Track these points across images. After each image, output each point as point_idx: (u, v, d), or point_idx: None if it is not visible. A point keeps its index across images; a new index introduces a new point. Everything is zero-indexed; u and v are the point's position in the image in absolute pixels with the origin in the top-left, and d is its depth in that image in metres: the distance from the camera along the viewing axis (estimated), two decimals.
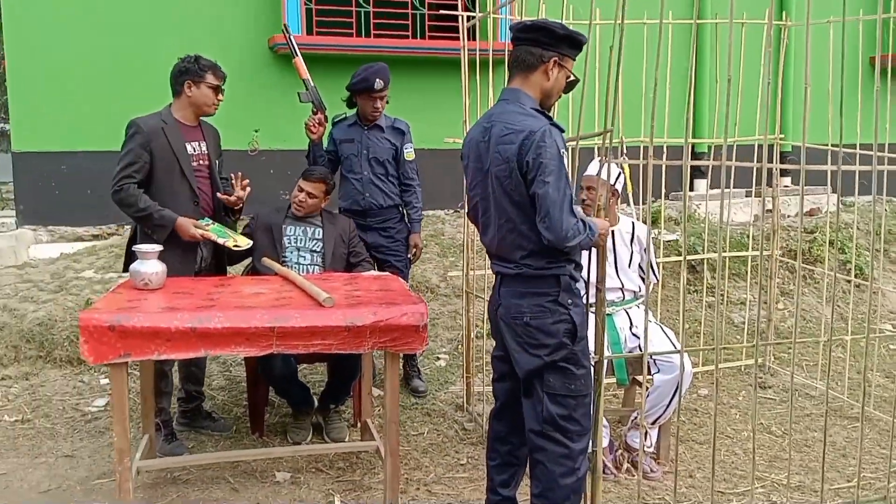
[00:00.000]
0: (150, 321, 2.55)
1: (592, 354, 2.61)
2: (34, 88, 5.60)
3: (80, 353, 2.57)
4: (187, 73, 3.40)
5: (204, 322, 2.57)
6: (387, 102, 4.02)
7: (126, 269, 3.32)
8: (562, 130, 2.36)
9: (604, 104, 2.36)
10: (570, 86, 2.47)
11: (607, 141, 2.49)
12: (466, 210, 2.68)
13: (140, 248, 3.05)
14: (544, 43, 2.35)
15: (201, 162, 3.48)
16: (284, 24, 3.96)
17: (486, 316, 4.47)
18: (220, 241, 3.38)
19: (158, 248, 3.06)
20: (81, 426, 3.77)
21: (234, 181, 3.59)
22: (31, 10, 5.58)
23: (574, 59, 2.43)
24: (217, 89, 3.45)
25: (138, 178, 3.30)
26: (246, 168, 5.53)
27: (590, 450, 2.53)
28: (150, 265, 2.98)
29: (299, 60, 3.95)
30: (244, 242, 3.48)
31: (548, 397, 2.39)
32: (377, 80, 3.91)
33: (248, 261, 3.83)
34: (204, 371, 3.80)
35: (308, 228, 3.72)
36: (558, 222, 2.25)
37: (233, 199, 3.52)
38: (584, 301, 2.64)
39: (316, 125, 3.93)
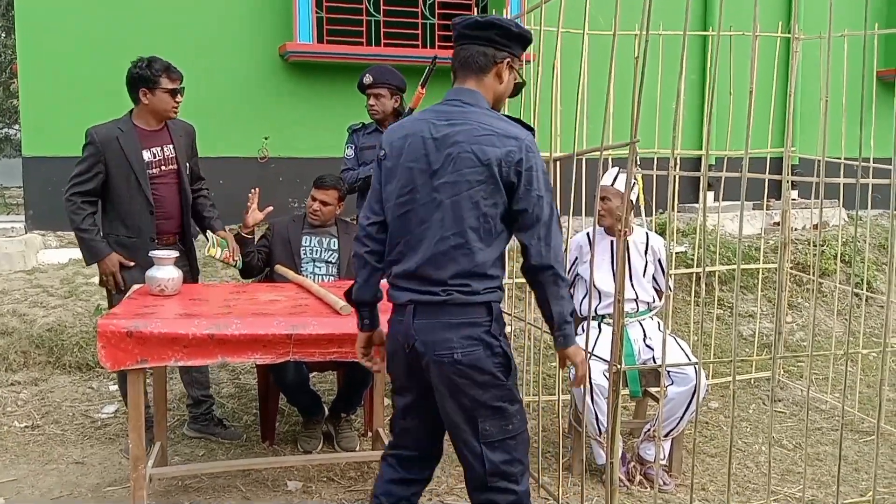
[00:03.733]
0: (168, 327, 2.54)
1: (610, 364, 2.60)
2: (45, 94, 5.61)
3: (98, 359, 2.57)
4: (141, 80, 3.32)
5: (222, 329, 2.56)
6: (397, 104, 3.98)
7: (89, 263, 3.40)
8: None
9: (617, 114, 2.36)
10: (517, 89, 2.25)
11: (631, 152, 2.48)
12: (369, 218, 2.19)
13: (156, 253, 3.04)
14: (498, 42, 2.11)
15: (164, 168, 3.42)
16: (434, 58, 3.89)
17: None
18: (220, 256, 3.41)
19: (175, 253, 3.06)
20: (91, 433, 3.75)
21: (251, 199, 3.61)
22: (44, 17, 5.60)
23: (521, 60, 2.23)
24: (174, 92, 3.36)
25: (88, 188, 3.30)
26: (255, 176, 5.56)
27: (606, 461, 2.52)
28: (167, 271, 2.98)
29: (422, 94, 3.86)
30: (218, 254, 3.46)
31: (486, 447, 2.08)
32: (366, 75, 3.93)
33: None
34: (207, 375, 3.77)
35: (324, 239, 3.72)
36: (557, 243, 2.07)
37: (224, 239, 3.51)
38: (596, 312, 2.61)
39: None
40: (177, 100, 3.39)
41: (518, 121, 2.13)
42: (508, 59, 2.15)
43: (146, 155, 3.37)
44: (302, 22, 5.85)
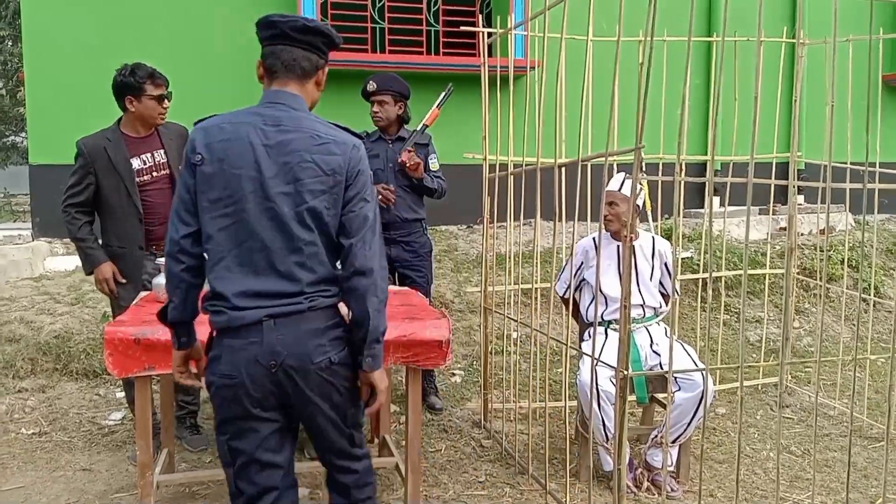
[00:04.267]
0: None
1: (617, 370, 2.59)
2: (52, 103, 5.64)
3: (105, 366, 2.57)
4: (126, 87, 3.33)
5: None
6: (401, 111, 4.00)
7: (89, 273, 3.43)
8: None
9: (622, 120, 2.36)
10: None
11: (636, 157, 2.48)
12: (180, 231, 2.02)
13: (163, 261, 3.04)
14: (321, 50, 2.08)
15: (155, 174, 3.43)
16: (451, 84, 3.97)
17: (505, 332, 4.49)
18: None
19: None
20: (98, 439, 3.76)
21: None
22: (51, 26, 5.64)
23: None
24: (160, 98, 3.37)
25: (81, 199, 3.34)
26: None
27: (614, 468, 2.51)
28: None
29: (438, 113, 3.93)
30: None
31: (352, 427, 2.12)
32: (370, 82, 3.96)
33: None
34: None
35: None
36: (378, 247, 2.03)
37: None
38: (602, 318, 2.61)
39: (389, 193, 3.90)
40: (164, 105, 3.40)
41: (344, 127, 2.09)
42: (326, 67, 2.13)
43: (136, 163, 3.38)
44: None
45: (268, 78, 2.07)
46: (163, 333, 2.54)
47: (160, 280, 3.00)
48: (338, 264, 2.05)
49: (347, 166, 1.99)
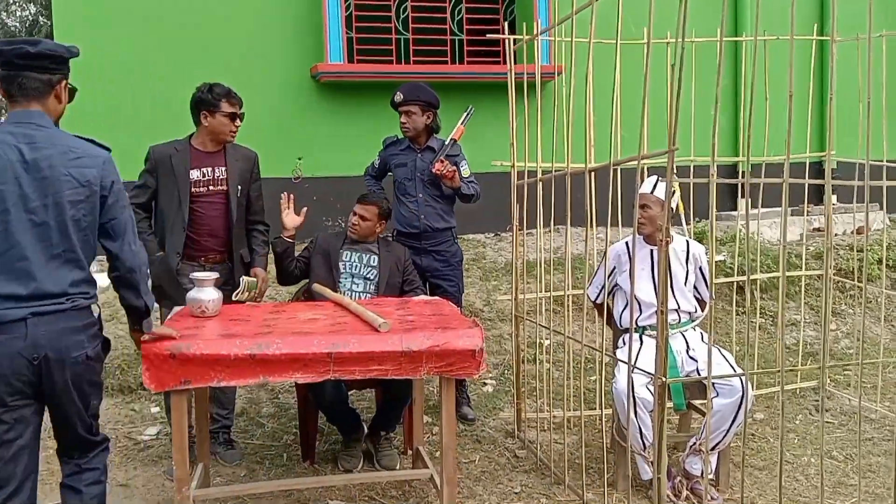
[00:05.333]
0: (209, 348, 2.56)
1: (655, 377, 2.55)
2: (81, 122, 5.72)
3: (141, 381, 2.59)
4: (202, 103, 3.47)
5: (263, 349, 2.57)
6: (429, 120, 3.98)
7: (160, 301, 3.47)
8: None
9: (652, 123, 2.32)
10: (72, 95, 2.44)
11: (668, 161, 2.45)
12: None
13: (197, 275, 3.07)
14: (52, 69, 2.29)
15: (212, 188, 3.51)
16: (470, 108, 4.03)
17: (537, 340, 4.44)
18: (245, 299, 3.46)
19: (214, 275, 3.09)
20: (134, 455, 3.78)
21: (284, 201, 3.70)
22: (77, 41, 5.72)
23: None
24: (233, 116, 3.50)
25: (141, 201, 3.47)
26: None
27: (653, 477, 2.47)
28: (207, 292, 3.01)
29: (463, 130, 3.97)
30: (244, 298, 3.48)
31: (91, 417, 2.41)
32: (398, 93, 3.94)
33: (301, 283, 3.88)
34: (231, 395, 3.79)
35: (364, 255, 3.73)
36: (137, 245, 2.34)
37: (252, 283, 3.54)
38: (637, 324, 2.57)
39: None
40: (235, 124, 3.52)
41: (91, 140, 2.33)
42: (65, 81, 2.35)
43: (194, 174, 3.48)
44: (332, 42, 5.91)
45: (9, 100, 2.30)
46: (197, 348, 2.56)
47: (194, 294, 3.03)
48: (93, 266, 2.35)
49: (101, 178, 2.27)
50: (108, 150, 2.36)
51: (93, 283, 2.33)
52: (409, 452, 3.69)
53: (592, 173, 3.27)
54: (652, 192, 3.35)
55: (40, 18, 14.06)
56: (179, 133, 3.62)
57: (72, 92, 2.44)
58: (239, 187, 3.56)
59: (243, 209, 3.62)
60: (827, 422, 4.20)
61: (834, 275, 5.41)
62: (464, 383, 4.24)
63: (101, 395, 2.45)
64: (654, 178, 3.42)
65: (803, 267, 5.00)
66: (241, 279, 3.48)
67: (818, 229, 6.41)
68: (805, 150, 4.70)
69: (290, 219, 3.70)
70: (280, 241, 3.69)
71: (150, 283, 2.42)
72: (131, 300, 2.40)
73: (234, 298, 3.41)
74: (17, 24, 14.82)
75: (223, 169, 3.53)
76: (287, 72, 6.09)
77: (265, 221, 3.74)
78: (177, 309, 3.17)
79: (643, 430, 3.14)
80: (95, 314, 2.35)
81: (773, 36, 4.21)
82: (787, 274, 5.12)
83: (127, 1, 5.81)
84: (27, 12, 14.64)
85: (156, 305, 4.27)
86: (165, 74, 5.77)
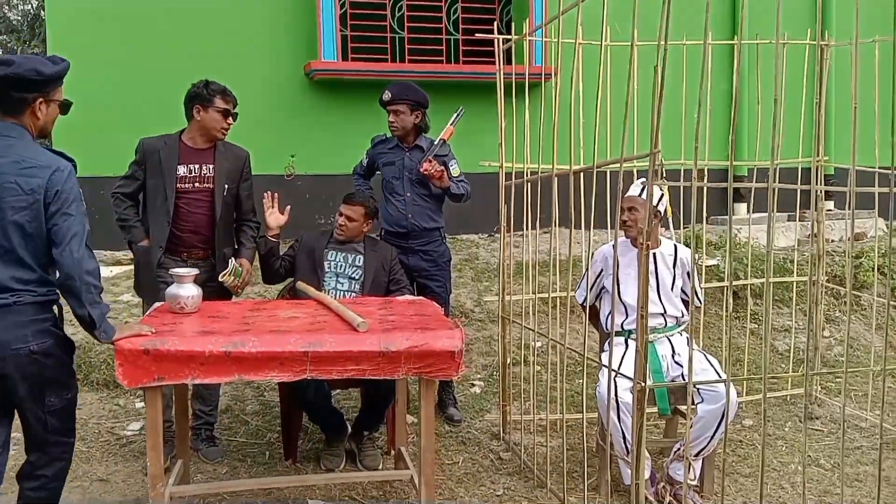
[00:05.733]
0: (184, 345, 2.53)
1: (635, 382, 2.52)
2: (74, 116, 5.70)
3: (116, 377, 2.56)
4: (197, 97, 3.45)
5: (238, 346, 2.54)
6: (418, 120, 3.94)
7: (139, 291, 3.58)
8: (75, 166, 2.45)
9: (642, 125, 2.30)
10: (66, 108, 2.53)
11: (651, 163, 2.42)
12: None
13: (176, 271, 3.05)
14: (26, 88, 2.37)
15: (197, 184, 3.49)
16: (461, 109, 4.00)
17: (523, 342, 4.42)
18: (229, 283, 3.46)
19: (194, 271, 3.06)
20: (116, 450, 3.76)
21: (267, 201, 3.67)
22: (73, 39, 5.72)
23: (61, 85, 2.48)
24: (226, 113, 3.48)
25: (127, 191, 3.52)
26: (282, 193, 5.56)
27: (632, 482, 2.44)
28: (186, 289, 2.98)
29: (453, 130, 3.96)
30: (229, 282, 3.48)
31: (49, 415, 2.45)
32: (386, 92, 3.92)
33: (286, 281, 3.86)
34: (214, 392, 3.77)
35: (349, 255, 3.71)
36: (80, 253, 2.37)
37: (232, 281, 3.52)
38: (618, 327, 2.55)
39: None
40: (227, 121, 3.50)
41: (59, 152, 2.44)
42: (42, 99, 2.42)
43: (181, 169, 3.46)
44: (326, 40, 5.89)
45: None
46: (172, 344, 2.54)
47: (174, 290, 3.00)
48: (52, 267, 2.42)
49: (46, 187, 2.35)
50: (71, 161, 2.44)
51: (44, 283, 2.41)
52: (393, 453, 3.66)
53: (578, 175, 3.24)
54: (640, 195, 3.32)
55: (42, 12, 14.06)
56: (173, 130, 3.60)
57: (65, 105, 2.51)
58: (226, 186, 3.54)
59: (230, 208, 3.59)
60: (817, 429, 4.17)
61: (827, 281, 5.38)
62: (451, 384, 4.22)
63: (62, 394, 2.48)
64: (643, 180, 3.39)
65: (795, 272, 4.96)
66: (230, 260, 3.48)
67: (814, 235, 6.38)
68: (803, 155, 4.67)
69: (274, 218, 3.66)
70: (264, 241, 3.66)
71: (101, 294, 2.44)
72: (74, 308, 2.42)
73: (219, 279, 3.43)
74: (20, 18, 14.81)
75: (211, 167, 3.51)
76: (280, 69, 6.07)
77: (255, 219, 3.72)
78: (156, 305, 3.15)
79: (626, 435, 3.11)
80: (51, 314, 2.43)
81: (765, 40, 4.18)
82: (781, 280, 5.09)
83: None
84: (29, 6, 14.64)
85: (138, 299, 4.28)
86: (158, 71, 5.75)
